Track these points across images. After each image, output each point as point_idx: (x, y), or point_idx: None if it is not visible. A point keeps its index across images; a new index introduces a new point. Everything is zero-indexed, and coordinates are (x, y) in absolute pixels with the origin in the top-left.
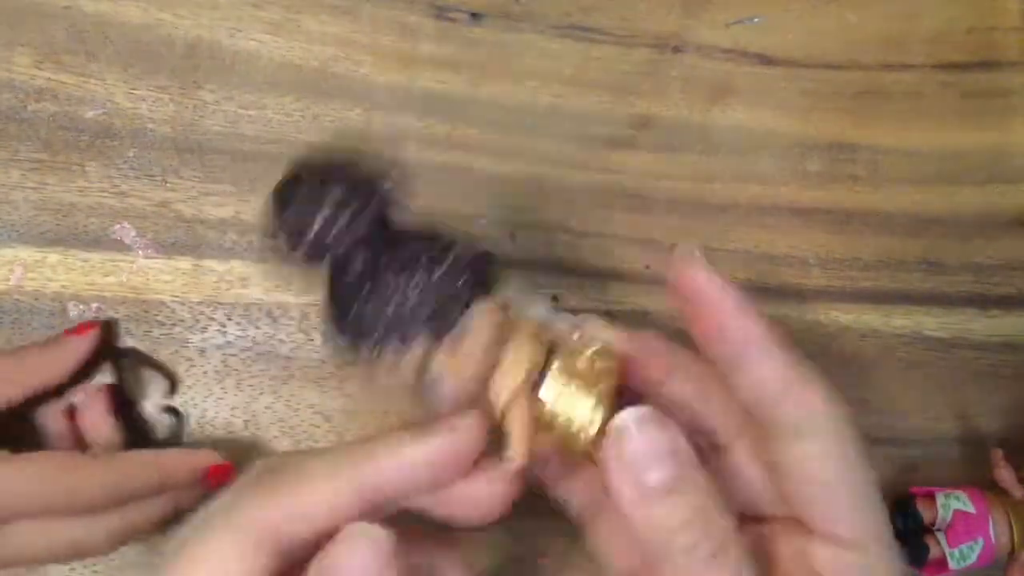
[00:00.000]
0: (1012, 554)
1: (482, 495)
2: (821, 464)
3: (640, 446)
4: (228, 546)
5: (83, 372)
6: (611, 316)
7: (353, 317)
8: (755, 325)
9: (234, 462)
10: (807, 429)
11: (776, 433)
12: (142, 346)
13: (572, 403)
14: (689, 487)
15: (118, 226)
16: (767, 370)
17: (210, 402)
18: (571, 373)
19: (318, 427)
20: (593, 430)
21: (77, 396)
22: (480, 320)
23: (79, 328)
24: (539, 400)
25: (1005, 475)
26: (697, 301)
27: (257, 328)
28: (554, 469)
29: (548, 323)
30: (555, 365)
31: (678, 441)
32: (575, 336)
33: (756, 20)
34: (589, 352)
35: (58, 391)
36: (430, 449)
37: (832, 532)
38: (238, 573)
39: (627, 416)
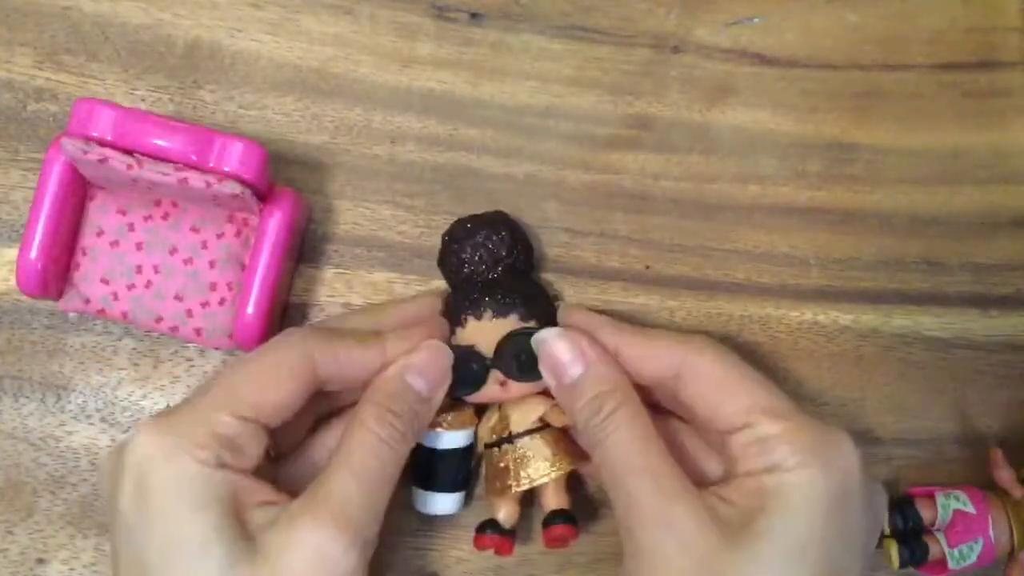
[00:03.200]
0: (1012, 554)
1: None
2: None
3: (557, 353)
4: (288, 362)
5: None
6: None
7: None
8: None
9: None
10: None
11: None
12: (142, 346)
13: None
14: (592, 376)
15: None
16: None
17: None
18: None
19: None
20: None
21: None
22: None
23: None
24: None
25: (1005, 475)
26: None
27: None
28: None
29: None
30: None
31: (584, 346)
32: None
33: (756, 20)
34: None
35: None
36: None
37: (732, 426)
38: (292, 382)
39: (544, 332)
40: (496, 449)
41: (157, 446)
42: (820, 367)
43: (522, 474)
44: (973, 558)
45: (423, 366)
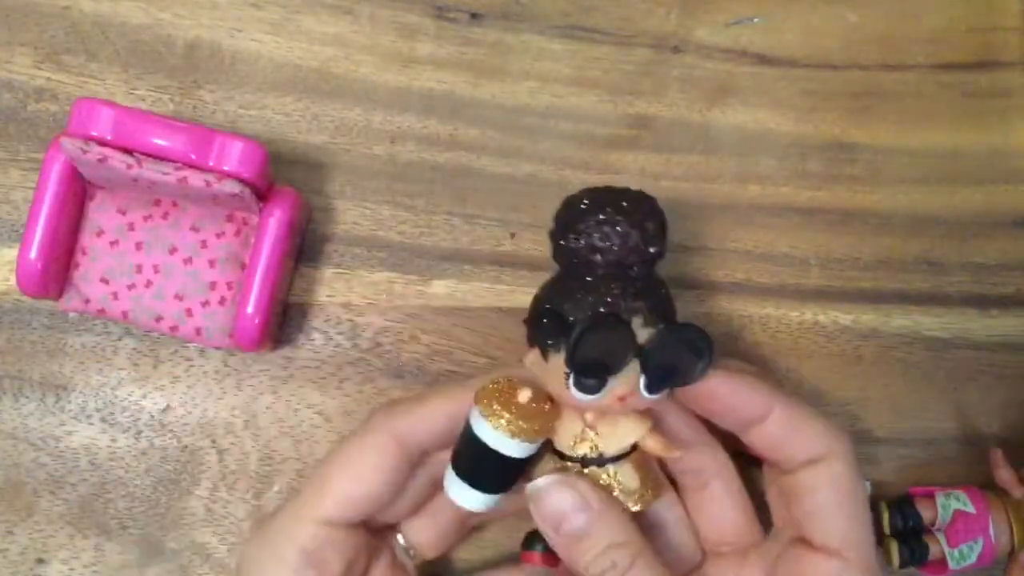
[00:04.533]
0: (1012, 554)
1: None
2: (821, 490)
3: (554, 504)
4: (375, 444)
5: None
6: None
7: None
8: (754, 397)
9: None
10: (807, 464)
11: (785, 469)
12: (142, 346)
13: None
14: (600, 526)
15: None
16: (773, 428)
17: (210, 402)
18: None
19: (318, 427)
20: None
21: None
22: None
23: None
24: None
25: (1005, 475)
26: (708, 398)
27: None
28: None
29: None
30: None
31: (587, 495)
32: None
33: (756, 20)
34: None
35: None
36: None
37: (825, 544)
38: (383, 463)
39: (540, 481)
40: (577, 464)
41: (253, 559)
42: (820, 367)
43: None
44: (973, 558)
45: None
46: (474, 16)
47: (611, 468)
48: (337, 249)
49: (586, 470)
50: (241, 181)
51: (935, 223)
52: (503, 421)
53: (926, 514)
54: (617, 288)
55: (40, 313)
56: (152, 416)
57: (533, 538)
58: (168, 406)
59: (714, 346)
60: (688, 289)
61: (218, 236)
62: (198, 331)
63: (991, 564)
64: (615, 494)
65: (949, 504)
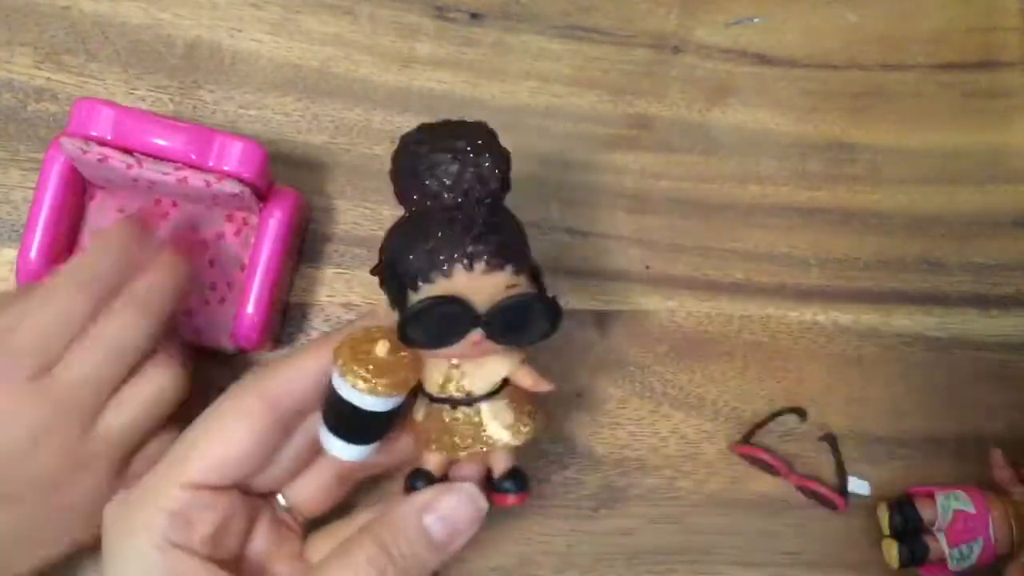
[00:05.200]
0: (1012, 554)
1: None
2: None
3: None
4: (242, 407)
5: None
6: (611, 316)
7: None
8: None
9: None
10: None
11: None
12: None
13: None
14: None
15: None
16: None
17: None
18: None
19: None
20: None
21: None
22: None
23: None
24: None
25: (1005, 475)
26: None
27: None
28: None
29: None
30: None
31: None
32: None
33: (756, 20)
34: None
35: None
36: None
37: None
38: (252, 425)
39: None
40: (447, 406)
41: (114, 525)
42: (820, 367)
43: (479, 437)
44: (973, 558)
45: (449, 512)
46: (474, 16)
47: (482, 406)
48: (337, 249)
49: (456, 411)
50: (241, 181)
51: (935, 223)
52: (360, 380)
53: (926, 514)
54: (455, 233)
55: None
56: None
57: (419, 473)
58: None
59: (560, 311)
60: (688, 289)
61: (217, 236)
62: (197, 331)
63: (991, 564)
64: (489, 431)
65: (949, 504)
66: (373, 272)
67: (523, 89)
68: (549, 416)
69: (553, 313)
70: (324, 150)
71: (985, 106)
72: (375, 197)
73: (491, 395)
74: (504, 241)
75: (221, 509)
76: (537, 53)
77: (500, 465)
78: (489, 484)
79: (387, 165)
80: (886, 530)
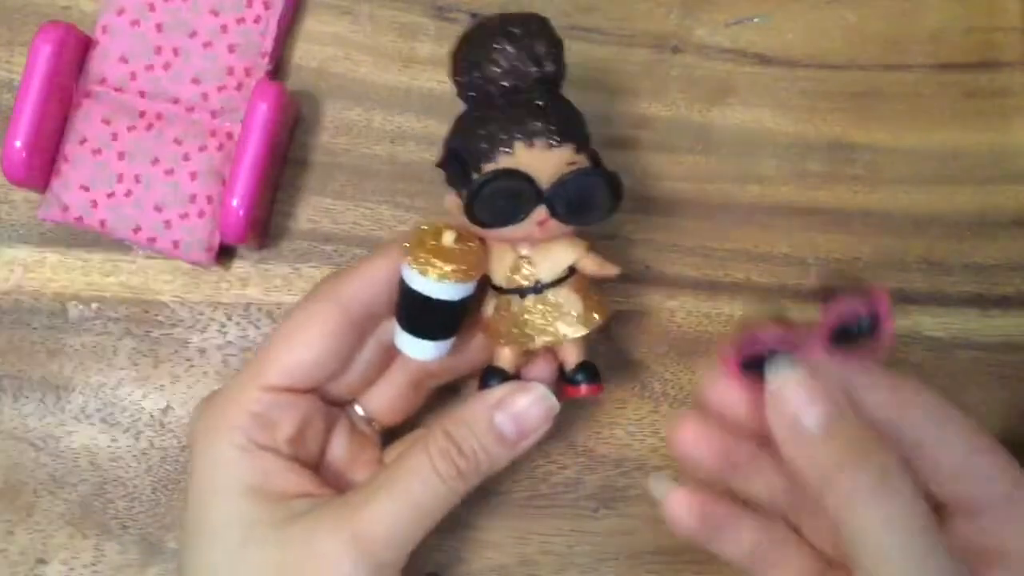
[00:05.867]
0: None
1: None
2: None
3: (795, 391)
4: (316, 312)
5: None
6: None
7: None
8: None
9: None
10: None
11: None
12: (142, 346)
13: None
14: (843, 426)
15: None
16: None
17: None
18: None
19: None
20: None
21: None
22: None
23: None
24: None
25: None
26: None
27: (257, 328)
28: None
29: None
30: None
31: (826, 388)
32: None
33: (756, 20)
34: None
35: None
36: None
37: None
38: (326, 328)
39: (779, 380)
40: (516, 296)
41: (200, 427)
42: None
43: (549, 328)
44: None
45: (520, 411)
46: (474, 16)
47: (549, 294)
48: (337, 249)
49: (525, 300)
50: None
51: (935, 223)
52: (429, 267)
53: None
54: (515, 112)
55: (40, 313)
56: (152, 416)
57: (494, 371)
58: (168, 406)
59: (622, 186)
60: (688, 289)
61: (200, 149)
62: (176, 244)
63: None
64: (557, 320)
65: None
66: (438, 165)
67: None
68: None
69: (616, 188)
70: (324, 150)
71: (985, 106)
72: (375, 197)
73: (558, 283)
74: (564, 119)
75: (301, 411)
76: None
77: (571, 358)
78: (561, 378)
79: (388, 165)
80: None
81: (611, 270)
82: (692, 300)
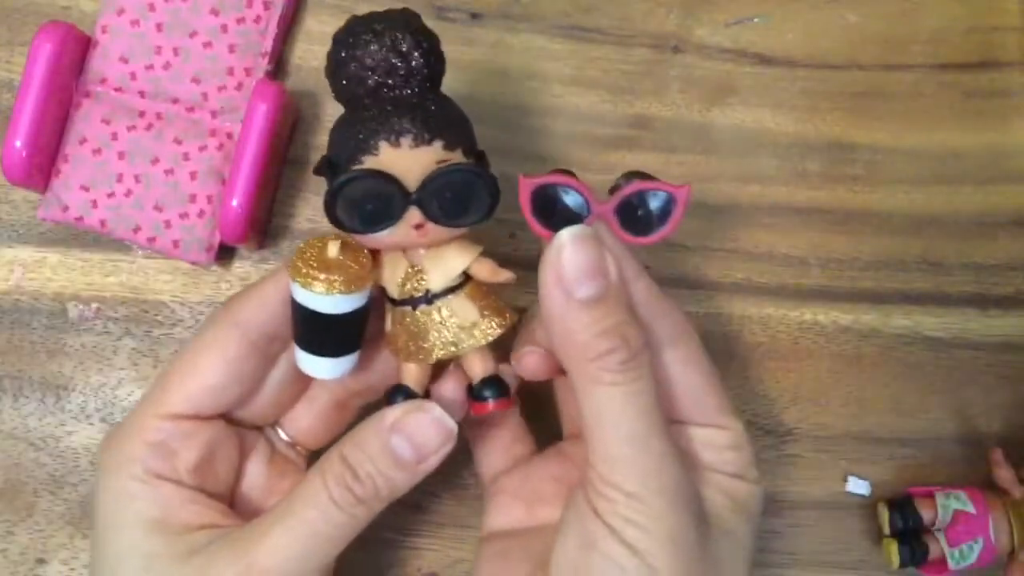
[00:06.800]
0: (1012, 554)
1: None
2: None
3: (573, 261)
4: (214, 335)
5: None
6: None
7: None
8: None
9: None
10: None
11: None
12: (142, 346)
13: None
14: (610, 304)
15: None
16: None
17: None
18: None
19: None
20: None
21: None
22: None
23: None
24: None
25: (1005, 475)
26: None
27: None
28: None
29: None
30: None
31: (607, 260)
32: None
33: (756, 20)
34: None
35: None
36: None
37: (707, 420)
38: (225, 352)
39: (566, 233)
40: (408, 307)
41: (102, 459)
42: (820, 367)
43: (444, 339)
44: (973, 558)
45: (415, 431)
46: (474, 16)
47: (441, 304)
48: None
49: (418, 311)
50: None
51: (935, 223)
52: (313, 281)
53: (926, 514)
54: (378, 114)
55: (40, 313)
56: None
57: (399, 389)
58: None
59: (495, 183)
60: (688, 289)
61: (200, 149)
62: (175, 243)
63: (991, 564)
64: (452, 331)
65: (949, 504)
66: (315, 171)
67: (523, 89)
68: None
69: (490, 185)
70: (324, 150)
71: (985, 106)
72: None
73: (451, 292)
74: (432, 116)
75: (204, 439)
76: (537, 53)
77: (476, 371)
78: (469, 394)
79: None
80: (886, 530)
81: (504, 276)
82: (692, 300)
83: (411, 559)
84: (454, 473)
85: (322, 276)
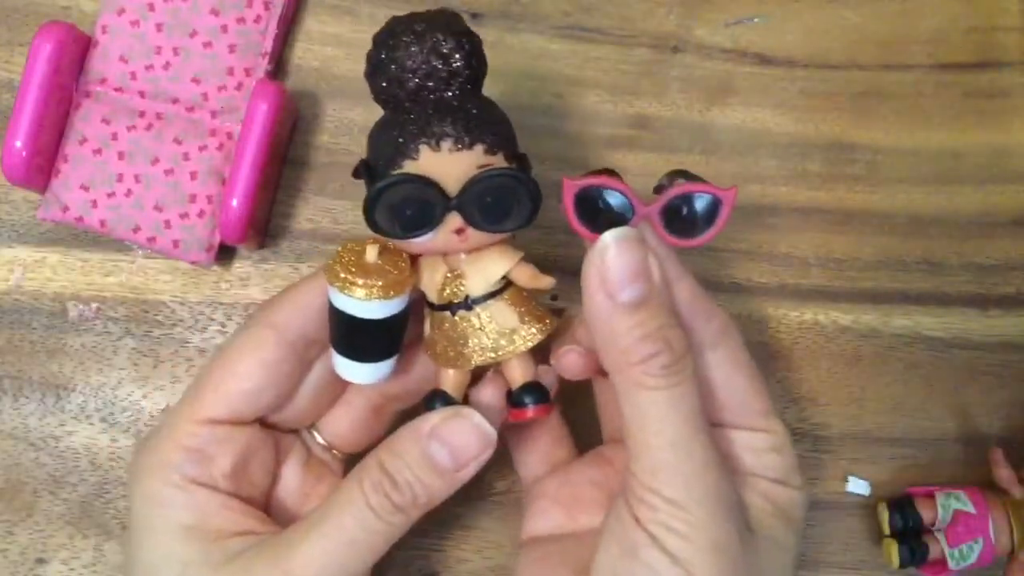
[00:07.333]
0: (1012, 554)
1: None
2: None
3: (617, 264)
4: (251, 339)
5: None
6: None
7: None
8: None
9: None
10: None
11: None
12: (142, 346)
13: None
14: (653, 307)
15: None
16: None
17: None
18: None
19: None
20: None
21: None
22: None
23: None
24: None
25: (1005, 475)
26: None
27: None
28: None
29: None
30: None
31: (650, 263)
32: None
33: (756, 20)
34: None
35: None
36: None
37: (750, 424)
38: (262, 356)
39: (610, 236)
40: (447, 312)
41: (136, 465)
42: (820, 367)
43: (483, 345)
44: (973, 558)
45: (453, 438)
46: (474, 16)
47: (480, 309)
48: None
49: (457, 317)
50: None
51: (935, 223)
52: (351, 286)
53: (926, 514)
54: (419, 117)
55: (40, 313)
56: (152, 416)
57: (434, 398)
58: (168, 406)
59: (537, 187)
60: None
61: (200, 149)
62: (175, 243)
63: (991, 564)
64: (492, 337)
65: (949, 504)
66: (353, 175)
67: (523, 89)
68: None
69: (532, 190)
70: (324, 150)
71: (985, 106)
72: None
73: (491, 297)
74: (473, 119)
75: (240, 444)
76: (537, 53)
77: (516, 378)
78: (508, 399)
79: None
80: (886, 530)
81: (544, 282)
82: None
83: (411, 559)
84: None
85: (361, 281)
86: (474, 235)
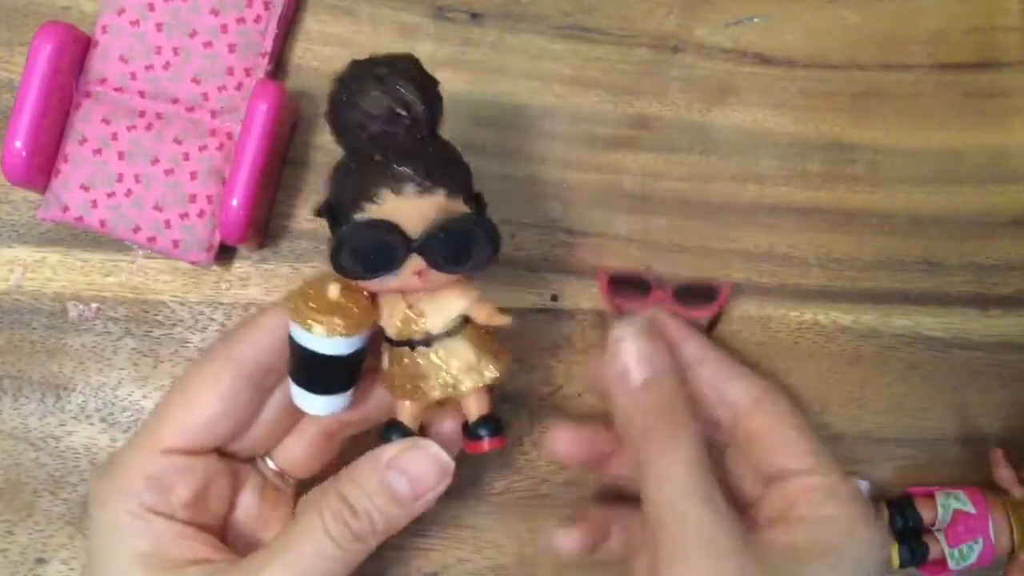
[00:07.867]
0: (1012, 554)
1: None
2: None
3: (629, 353)
4: (209, 370)
5: None
6: (612, 316)
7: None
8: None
9: None
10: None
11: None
12: (142, 346)
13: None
14: (658, 387)
15: None
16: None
17: None
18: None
19: None
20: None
21: None
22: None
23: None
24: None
25: (1005, 475)
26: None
27: None
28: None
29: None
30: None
31: (657, 352)
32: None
33: (756, 20)
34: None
35: None
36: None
37: (800, 468)
38: (220, 387)
39: (625, 326)
40: (406, 348)
41: (97, 492)
42: (820, 367)
43: (442, 380)
44: (973, 558)
45: (411, 468)
46: (474, 16)
47: (439, 346)
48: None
49: (416, 353)
50: None
51: (935, 223)
52: (312, 323)
53: (926, 514)
54: (382, 162)
55: (40, 313)
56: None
57: (391, 429)
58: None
59: (497, 233)
60: None
61: (201, 149)
62: (175, 243)
63: (991, 564)
64: (451, 373)
65: (949, 504)
66: (315, 214)
67: (523, 89)
68: (510, 370)
69: (491, 234)
70: (324, 150)
71: (985, 106)
72: None
73: (449, 334)
74: (435, 164)
75: (199, 473)
76: (537, 53)
77: (473, 410)
78: (464, 431)
79: None
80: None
81: (501, 320)
82: None
83: (411, 559)
84: (454, 474)
85: (323, 319)
86: (434, 276)
